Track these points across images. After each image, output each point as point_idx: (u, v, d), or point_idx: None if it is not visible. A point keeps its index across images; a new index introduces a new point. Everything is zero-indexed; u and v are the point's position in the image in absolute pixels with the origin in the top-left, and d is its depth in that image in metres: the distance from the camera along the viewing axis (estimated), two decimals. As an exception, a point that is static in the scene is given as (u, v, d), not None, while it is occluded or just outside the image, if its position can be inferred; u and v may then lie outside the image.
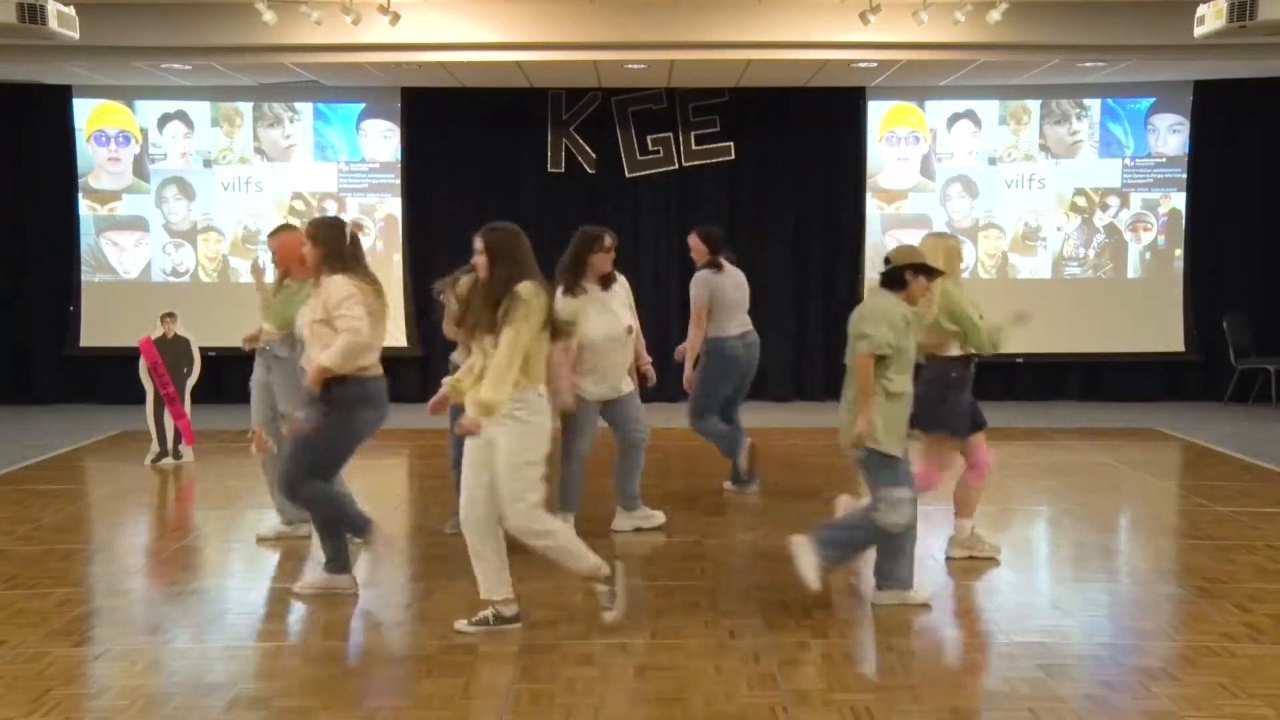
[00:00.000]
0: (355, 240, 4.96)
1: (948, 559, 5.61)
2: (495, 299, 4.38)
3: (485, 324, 4.39)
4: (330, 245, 4.88)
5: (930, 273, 4.84)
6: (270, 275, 6.17)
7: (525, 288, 4.36)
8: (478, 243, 4.49)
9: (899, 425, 4.79)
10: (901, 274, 4.80)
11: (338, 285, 4.81)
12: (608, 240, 5.89)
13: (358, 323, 4.75)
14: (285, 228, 6.08)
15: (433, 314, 11.17)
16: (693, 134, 11.03)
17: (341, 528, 5.05)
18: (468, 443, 4.49)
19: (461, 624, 4.58)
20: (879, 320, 4.72)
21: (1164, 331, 11.13)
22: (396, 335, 11.00)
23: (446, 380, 4.61)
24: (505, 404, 4.32)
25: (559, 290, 5.63)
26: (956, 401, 5.40)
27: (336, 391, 4.81)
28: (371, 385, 4.90)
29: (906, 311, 4.79)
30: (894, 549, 4.87)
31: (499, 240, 4.47)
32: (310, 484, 4.92)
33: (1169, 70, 10.31)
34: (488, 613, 4.57)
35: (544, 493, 4.50)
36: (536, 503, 4.45)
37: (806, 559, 4.73)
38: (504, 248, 4.45)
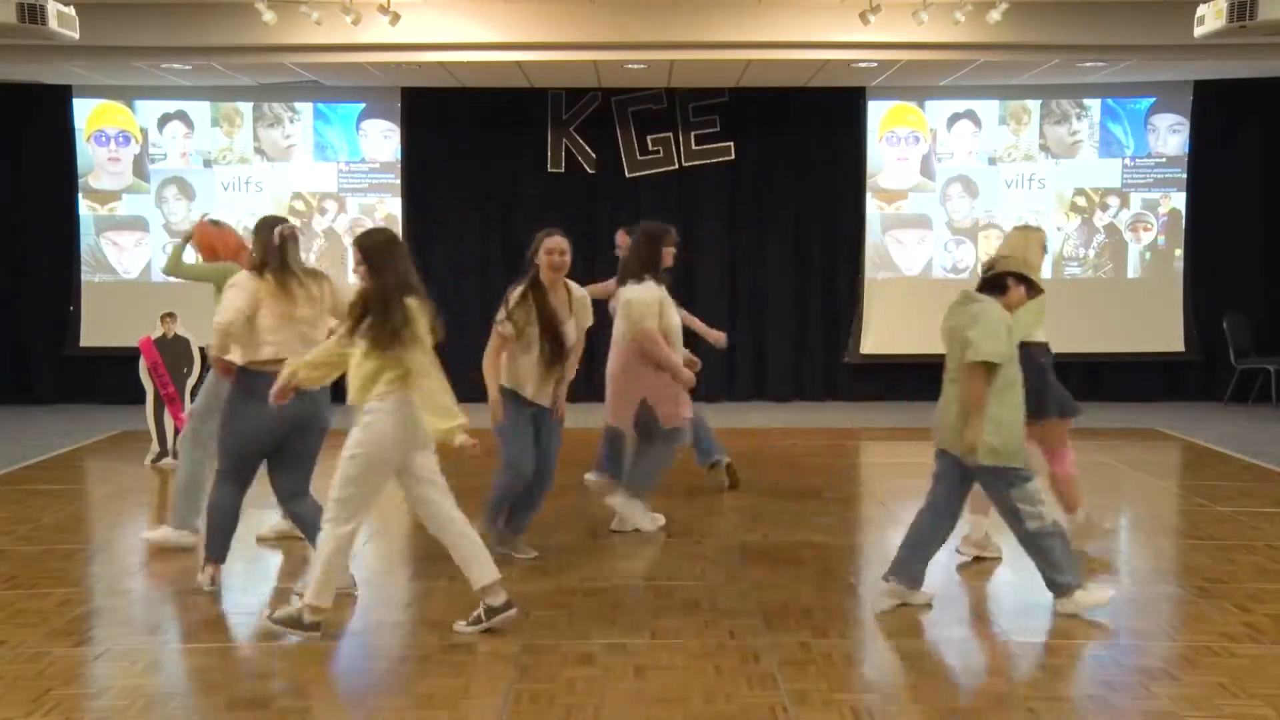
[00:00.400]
0: (284, 240, 5.04)
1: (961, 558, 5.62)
2: (363, 306, 4.42)
3: (348, 328, 4.45)
4: (255, 245, 5.13)
5: (1032, 286, 4.80)
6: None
7: (413, 304, 4.41)
8: (354, 252, 4.60)
9: (1014, 433, 4.70)
10: (1004, 280, 4.76)
11: (237, 278, 5.08)
12: (674, 235, 6.17)
13: (227, 312, 4.92)
14: (213, 222, 6.24)
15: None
16: (693, 134, 11.04)
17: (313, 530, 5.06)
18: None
19: (460, 625, 4.58)
20: (999, 331, 4.64)
21: (1164, 331, 11.13)
22: (396, 335, 11.00)
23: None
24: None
25: (640, 282, 5.92)
26: (1053, 383, 5.62)
27: (235, 382, 5.02)
28: (259, 379, 4.83)
29: (1007, 317, 4.74)
30: (921, 543, 4.84)
31: (372, 247, 4.52)
32: (219, 485, 5.06)
33: (1169, 70, 10.31)
34: (479, 610, 4.57)
35: (351, 494, 4.41)
36: (338, 498, 4.42)
37: (1082, 600, 4.70)
38: (378, 254, 4.49)
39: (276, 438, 4.94)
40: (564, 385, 5.51)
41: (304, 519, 5.01)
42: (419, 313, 4.42)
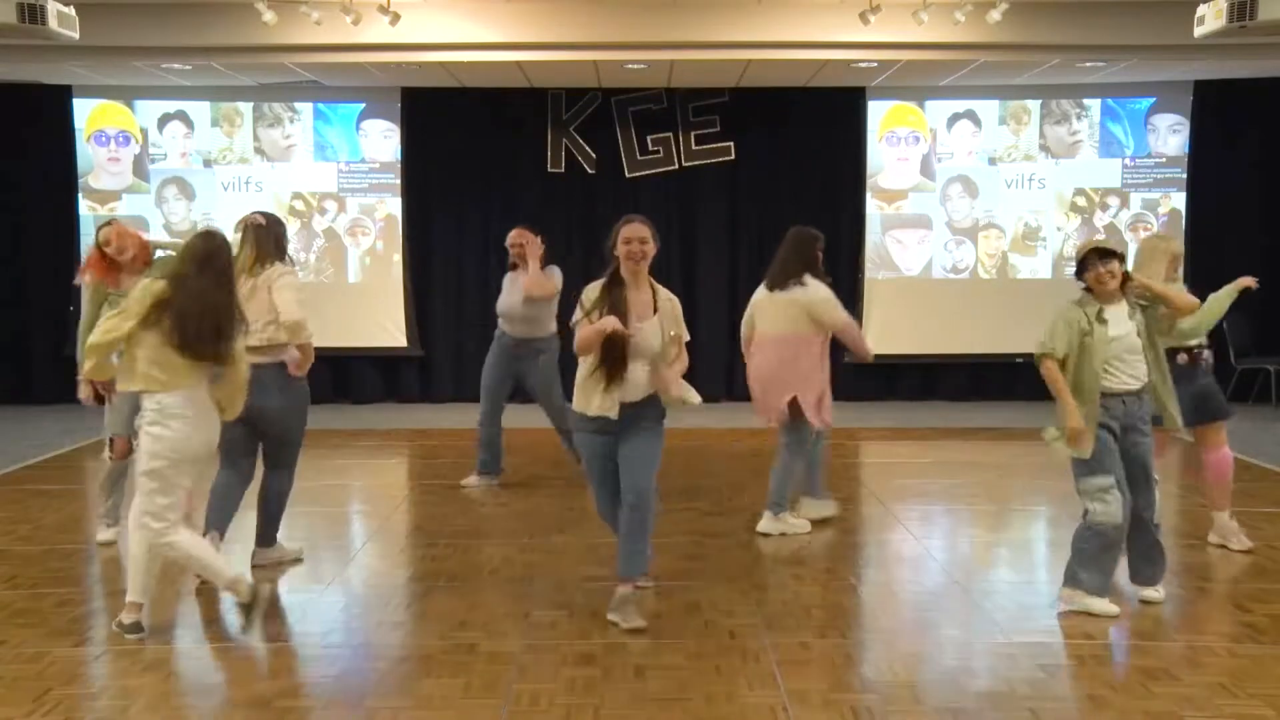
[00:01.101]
0: (281, 232, 5.51)
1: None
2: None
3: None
4: (260, 244, 5.45)
5: (1105, 256, 4.75)
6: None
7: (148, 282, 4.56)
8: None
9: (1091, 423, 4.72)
10: (1082, 267, 4.80)
11: (282, 279, 5.35)
12: (822, 239, 6.24)
13: (301, 307, 5.20)
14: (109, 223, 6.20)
15: (432, 314, 11.24)
16: (693, 134, 11.04)
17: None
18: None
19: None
20: (1055, 328, 4.75)
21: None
22: (396, 335, 11.02)
23: None
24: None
25: (803, 285, 5.99)
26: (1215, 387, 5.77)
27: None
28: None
29: (1076, 315, 4.75)
30: (1092, 551, 4.78)
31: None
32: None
33: (1169, 70, 10.31)
34: None
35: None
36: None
37: (1086, 603, 4.75)
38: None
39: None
40: (674, 367, 4.81)
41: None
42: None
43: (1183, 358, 5.64)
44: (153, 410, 4.42)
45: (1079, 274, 4.80)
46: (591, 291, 4.74)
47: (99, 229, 5.99)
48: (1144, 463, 4.80)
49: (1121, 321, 4.75)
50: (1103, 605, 4.74)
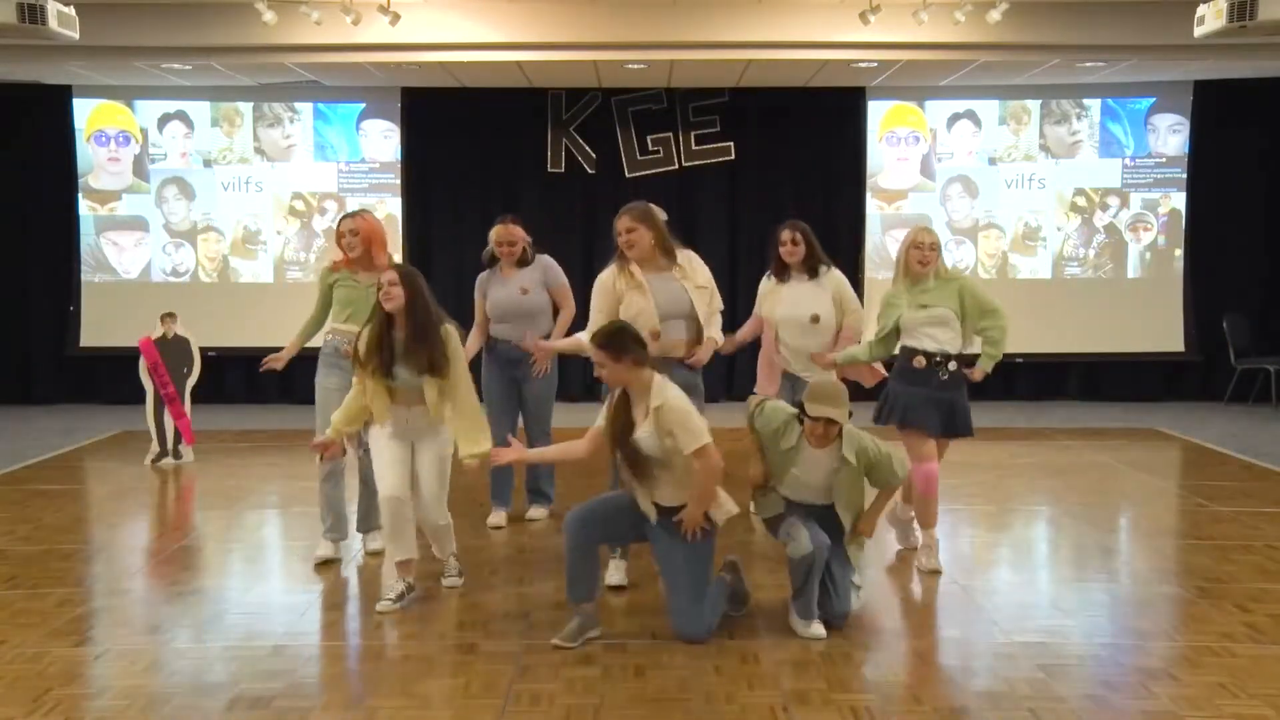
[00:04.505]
0: None
1: None
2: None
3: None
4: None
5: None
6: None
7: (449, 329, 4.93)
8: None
9: None
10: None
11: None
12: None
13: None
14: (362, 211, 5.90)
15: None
16: (693, 134, 11.04)
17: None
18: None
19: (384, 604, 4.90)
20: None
21: (1164, 331, 11.13)
22: (396, 335, 11.00)
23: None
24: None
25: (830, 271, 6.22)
26: None
27: None
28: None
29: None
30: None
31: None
32: None
33: (1169, 70, 10.31)
34: (402, 586, 4.98)
35: None
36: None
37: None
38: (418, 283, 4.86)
39: None
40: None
41: None
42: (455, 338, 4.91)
43: (919, 361, 5.37)
44: None
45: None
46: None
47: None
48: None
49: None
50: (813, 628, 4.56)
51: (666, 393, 4.34)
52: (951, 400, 5.39)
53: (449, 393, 4.87)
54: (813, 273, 6.21)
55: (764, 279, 6.39)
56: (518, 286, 6.27)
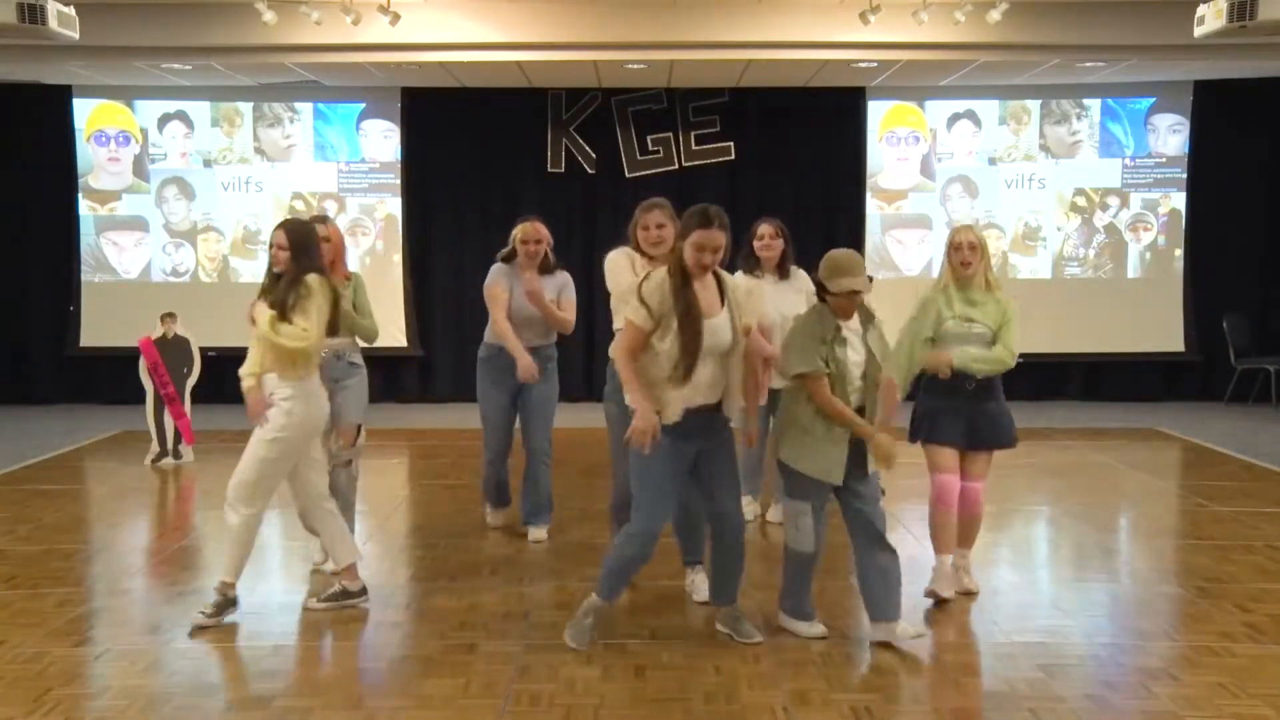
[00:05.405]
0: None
1: None
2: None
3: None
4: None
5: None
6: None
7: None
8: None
9: None
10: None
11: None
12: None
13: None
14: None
15: (432, 314, 11.24)
16: (693, 134, 11.04)
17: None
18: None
19: (313, 602, 4.92)
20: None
21: (1164, 331, 11.13)
22: (396, 335, 11.01)
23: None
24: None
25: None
26: None
27: None
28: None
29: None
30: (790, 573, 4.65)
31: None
32: None
33: (1169, 70, 10.31)
34: (335, 588, 4.92)
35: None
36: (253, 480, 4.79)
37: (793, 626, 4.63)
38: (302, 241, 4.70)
39: None
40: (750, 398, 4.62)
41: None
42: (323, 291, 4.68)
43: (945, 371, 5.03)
44: None
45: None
46: (653, 285, 4.29)
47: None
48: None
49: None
50: (806, 627, 4.55)
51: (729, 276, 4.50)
52: (980, 410, 5.02)
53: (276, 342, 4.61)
54: (784, 273, 6.16)
55: (739, 276, 6.08)
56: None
